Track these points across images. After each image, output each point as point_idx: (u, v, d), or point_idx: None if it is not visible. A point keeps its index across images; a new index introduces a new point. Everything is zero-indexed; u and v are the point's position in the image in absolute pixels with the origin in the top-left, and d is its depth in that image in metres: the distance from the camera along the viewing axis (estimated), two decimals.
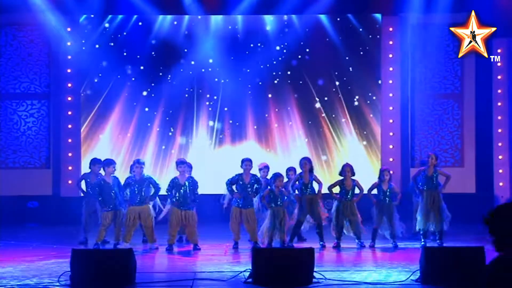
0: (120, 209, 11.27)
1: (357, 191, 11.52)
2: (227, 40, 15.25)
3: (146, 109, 15.29)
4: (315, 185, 11.39)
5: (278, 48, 15.30)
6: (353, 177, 11.49)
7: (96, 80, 15.19)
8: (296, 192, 11.43)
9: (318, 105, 15.32)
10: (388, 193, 11.41)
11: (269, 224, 10.97)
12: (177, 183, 11.20)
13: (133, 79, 15.23)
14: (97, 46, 15.14)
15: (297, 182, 11.38)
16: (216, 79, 15.28)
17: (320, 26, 15.32)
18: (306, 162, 11.44)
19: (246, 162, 11.49)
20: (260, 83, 15.34)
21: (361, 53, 15.31)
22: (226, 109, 15.34)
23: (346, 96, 15.36)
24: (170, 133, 15.30)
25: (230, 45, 15.24)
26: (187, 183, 11.19)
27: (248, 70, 15.22)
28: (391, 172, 11.98)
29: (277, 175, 11.16)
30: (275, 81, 15.39)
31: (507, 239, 2.95)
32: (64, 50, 15.18)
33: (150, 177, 11.48)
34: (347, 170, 11.50)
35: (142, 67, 15.18)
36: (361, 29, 15.33)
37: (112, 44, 15.17)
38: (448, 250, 8.91)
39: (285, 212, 11.07)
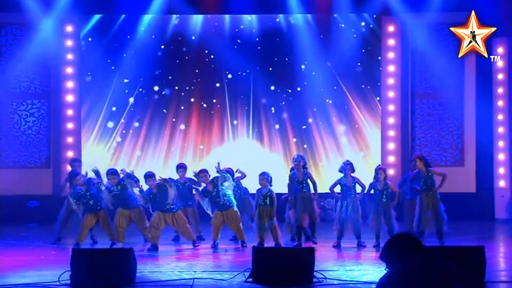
0: (98, 211, 11.27)
1: (358, 189, 11.50)
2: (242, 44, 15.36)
3: (164, 110, 15.39)
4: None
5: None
6: (353, 174, 11.47)
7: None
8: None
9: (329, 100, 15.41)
10: (384, 191, 11.40)
11: (257, 224, 11.02)
12: (153, 193, 11.21)
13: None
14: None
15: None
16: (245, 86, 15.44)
17: (316, 25, 15.36)
18: (299, 159, 11.42)
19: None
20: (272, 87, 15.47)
21: (363, 51, 15.35)
22: (246, 108, 15.49)
23: (347, 96, 15.41)
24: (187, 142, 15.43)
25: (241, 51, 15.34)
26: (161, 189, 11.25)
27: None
28: (386, 170, 11.92)
29: (261, 174, 11.18)
30: (271, 87, 15.46)
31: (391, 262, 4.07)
32: (64, 50, 15.21)
33: (123, 178, 11.45)
34: (347, 168, 11.47)
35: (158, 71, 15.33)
36: (363, 29, 15.37)
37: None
38: (448, 250, 8.91)
39: (272, 212, 11.06)
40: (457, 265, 3.89)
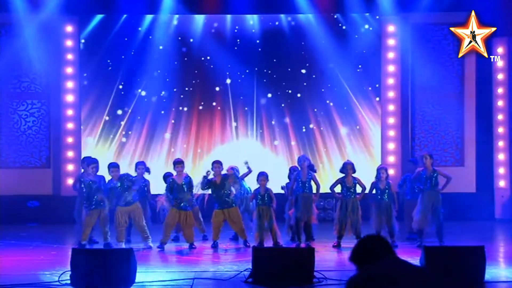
0: (103, 208, 11.24)
1: (359, 189, 11.50)
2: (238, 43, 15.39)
3: (162, 112, 15.40)
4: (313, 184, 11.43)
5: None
6: (354, 175, 11.47)
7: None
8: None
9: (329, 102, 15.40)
10: (386, 191, 11.40)
11: (257, 224, 11.02)
12: (176, 183, 11.23)
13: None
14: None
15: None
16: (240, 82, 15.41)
17: (317, 26, 15.35)
18: (304, 159, 11.45)
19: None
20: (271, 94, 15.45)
21: (364, 52, 15.35)
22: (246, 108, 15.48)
23: (348, 96, 15.42)
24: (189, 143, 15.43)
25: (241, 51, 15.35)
26: (183, 183, 11.22)
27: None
28: (388, 170, 11.94)
29: (260, 174, 11.19)
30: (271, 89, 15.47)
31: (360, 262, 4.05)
32: (64, 50, 15.22)
33: (125, 176, 11.43)
34: (348, 167, 11.47)
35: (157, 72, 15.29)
36: (362, 29, 15.37)
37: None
38: (448, 250, 8.92)
39: (272, 211, 11.08)
40: (426, 269, 3.95)
